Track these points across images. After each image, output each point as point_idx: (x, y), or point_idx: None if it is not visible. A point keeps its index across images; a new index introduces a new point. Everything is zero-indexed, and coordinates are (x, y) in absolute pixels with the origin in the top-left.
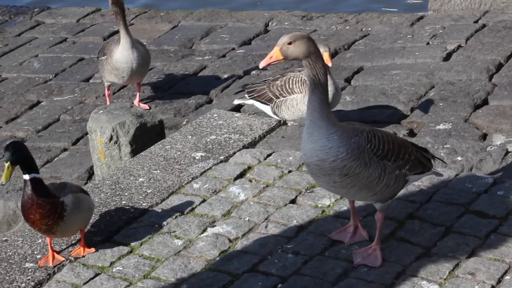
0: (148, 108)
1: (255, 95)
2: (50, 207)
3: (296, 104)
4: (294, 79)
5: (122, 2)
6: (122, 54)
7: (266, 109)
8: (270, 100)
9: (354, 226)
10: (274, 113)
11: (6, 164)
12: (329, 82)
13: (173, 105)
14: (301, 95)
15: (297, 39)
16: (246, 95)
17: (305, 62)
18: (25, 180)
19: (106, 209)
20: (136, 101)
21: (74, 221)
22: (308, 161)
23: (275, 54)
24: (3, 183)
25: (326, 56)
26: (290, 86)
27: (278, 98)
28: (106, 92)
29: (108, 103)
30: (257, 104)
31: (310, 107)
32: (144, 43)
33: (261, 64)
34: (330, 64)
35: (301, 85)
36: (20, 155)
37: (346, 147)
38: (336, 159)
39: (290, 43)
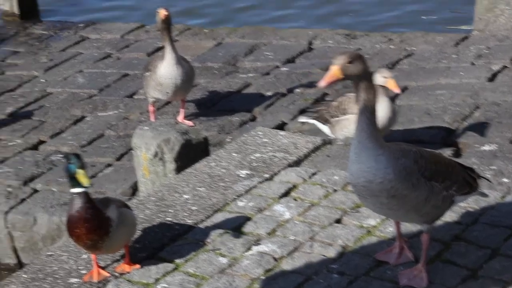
0: (192, 124)
1: (315, 115)
2: (97, 222)
3: (349, 124)
4: (349, 100)
5: (170, 18)
6: (166, 70)
7: (324, 129)
8: (327, 120)
9: (399, 247)
10: (331, 132)
11: (81, 171)
12: (387, 104)
13: (217, 122)
14: (354, 116)
15: (356, 57)
16: (309, 115)
17: (360, 82)
18: (73, 194)
19: (151, 226)
20: (180, 118)
21: (119, 236)
22: (354, 181)
23: (334, 73)
24: (89, 185)
25: (392, 82)
26: (344, 107)
27: (333, 118)
28: (150, 108)
29: (152, 119)
30: (317, 124)
31: (359, 127)
32: (188, 60)
33: (321, 83)
34: (398, 91)
35: (354, 105)
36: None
37: (393, 168)
38: (384, 180)
39: (350, 62)
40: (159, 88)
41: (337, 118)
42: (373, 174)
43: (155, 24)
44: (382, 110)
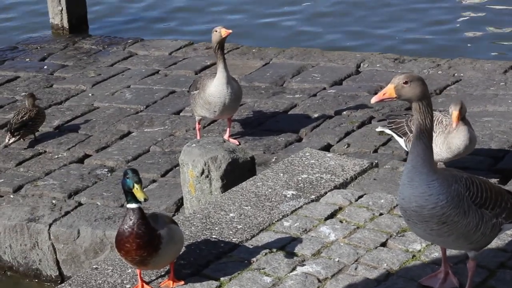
0: (238, 143)
1: (394, 127)
2: (148, 238)
3: None
4: None
5: (224, 40)
6: (216, 89)
7: (401, 141)
8: (405, 134)
9: (445, 272)
10: (406, 146)
11: (137, 186)
12: (465, 132)
13: (263, 142)
14: (434, 135)
15: (413, 80)
16: (387, 124)
17: (416, 105)
18: (128, 209)
19: (196, 243)
20: (226, 136)
21: (167, 253)
22: (405, 206)
23: (388, 91)
24: (145, 199)
25: (454, 115)
26: None
27: (411, 133)
28: (197, 126)
29: (198, 137)
30: (394, 135)
31: (414, 152)
32: (236, 79)
33: (373, 100)
34: (454, 125)
35: (435, 124)
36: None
37: (446, 195)
38: (436, 206)
39: (406, 83)
40: (207, 107)
41: None
42: (426, 200)
43: (204, 42)
44: (460, 137)
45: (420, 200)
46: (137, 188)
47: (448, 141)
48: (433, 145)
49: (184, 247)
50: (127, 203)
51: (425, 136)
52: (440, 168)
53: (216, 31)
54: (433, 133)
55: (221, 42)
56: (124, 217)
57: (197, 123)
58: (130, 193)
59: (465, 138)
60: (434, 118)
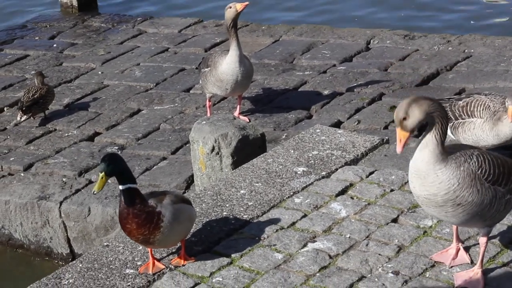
0: (248, 120)
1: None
2: (145, 216)
3: (473, 128)
4: (477, 102)
5: (238, 16)
6: (229, 66)
7: None
8: (449, 120)
9: (456, 248)
10: (452, 133)
11: (100, 175)
12: None
13: (273, 119)
14: (480, 120)
15: (409, 108)
16: None
17: (429, 121)
18: (120, 190)
19: (207, 220)
20: (236, 113)
21: (172, 232)
22: (417, 193)
23: (401, 135)
24: (94, 192)
25: (510, 109)
26: (471, 109)
27: (457, 119)
28: (207, 103)
29: (208, 114)
30: None
31: (424, 142)
32: (247, 56)
33: (398, 150)
34: (509, 120)
35: (482, 109)
36: (115, 168)
37: (457, 177)
38: (448, 192)
39: (404, 118)
40: (218, 84)
41: (461, 120)
42: (437, 188)
43: (214, 20)
44: (511, 126)
45: (431, 189)
46: (101, 177)
47: (497, 129)
48: (480, 131)
49: (195, 224)
50: (119, 185)
51: (440, 138)
52: (449, 145)
53: (230, 8)
54: (479, 119)
55: (235, 19)
56: (119, 198)
57: (207, 100)
58: (119, 176)
59: None
60: (479, 103)
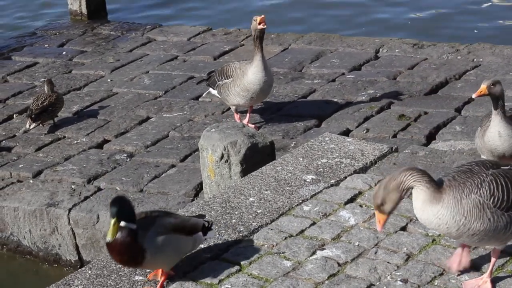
0: (256, 129)
1: None
2: (129, 255)
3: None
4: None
5: (261, 28)
6: (256, 76)
7: None
8: None
9: (459, 254)
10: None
11: (112, 221)
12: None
13: (282, 127)
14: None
15: (384, 194)
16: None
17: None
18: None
19: (216, 227)
20: (245, 121)
21: (155, 263)
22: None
23: (379, 217)
24: (109, 240)
25: (482, 87)
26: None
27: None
28: (236, 116)
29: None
30: None
31: (415, 198)
32: None
33: (378, 229)
34: (474, 95)
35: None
36: (126, 211)
37: (461, 212)
38: (459, 228)
39: (382, 204)
40: (244, 94)
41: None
42: (447, 228)
43: (223, 28)
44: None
45: (442, 229)
46: (113, 223)
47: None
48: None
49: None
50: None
51: (425, 188)
52: (461, 169)
53: (254, 20)
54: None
55: (261, 32)
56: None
57: (234, 114)
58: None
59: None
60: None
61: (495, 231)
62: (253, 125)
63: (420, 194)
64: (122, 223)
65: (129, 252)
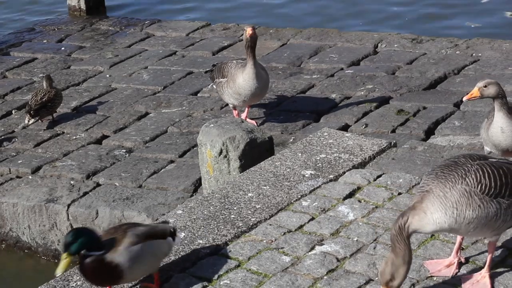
0: (255, 124)
1: None
2: (104, 278)
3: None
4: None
5: (257, 36)
6: (247, 83)
7: None
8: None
9: (451, 262)
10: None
11: (63, 255)
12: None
13: (280, 122)
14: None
15: (392, 270)
16: None
17: None
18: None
19: (215, 222)
20: (243, 116)
21: (136, 274)
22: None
23: None
24: (57, 274)
25: (474, 90)
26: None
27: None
28: (234, 113)
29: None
30: None
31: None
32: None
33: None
34: (465, 98)
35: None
36: (80, 246)
37: (450, 206)
38: (456, 219)
39: (391, 280)
40: (236, 97)
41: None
42: (448, 225)
43: (221, 23)
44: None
45: (445, 229)
46: (63, 258)
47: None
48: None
49: (203, 227)
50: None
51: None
52: (447, 163)
53: (244, 30)
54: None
55: (252, 41)
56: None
57: (233, 110)
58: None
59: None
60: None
61: (487, 218)
62: (252, 120)
63: (415, 225)
64: (84, 252)
65: (102, 275)
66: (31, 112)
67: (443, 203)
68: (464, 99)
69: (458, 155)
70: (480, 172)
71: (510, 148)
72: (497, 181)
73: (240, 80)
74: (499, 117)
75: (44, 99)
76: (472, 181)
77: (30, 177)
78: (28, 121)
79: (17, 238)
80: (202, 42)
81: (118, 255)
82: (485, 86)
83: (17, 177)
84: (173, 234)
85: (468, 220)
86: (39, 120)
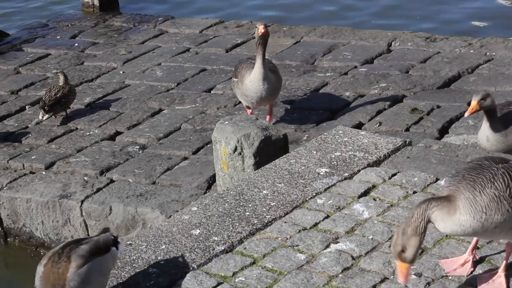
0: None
1: None
2: None
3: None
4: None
5: (269, 34)
6: (252, 84)
7: None
8: None
9: (465, 260)
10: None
11: None
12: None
13: (294, 120)
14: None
15: (404, 240)
16: None
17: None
18: None
19: (230, 220)
20: (267, 118)
21: None
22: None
23: (402, 267)
24: None
25: (472, 104)
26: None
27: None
28: (248, 112)
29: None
30: None
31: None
32: (275, 67)
33: (401, 282)
34: (467, 114)
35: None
36: None
37: (479, 210)
38: (483, 226)
39: (402, 251)
40: (244, 98)
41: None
42: (473, 229)
43: (235, 20)
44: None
45: (468, 232)
46: None
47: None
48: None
49: (218, 223)
50: None
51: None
52: (472, 165)
53: (257, 27)
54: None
55: (264, 39)
56: None
57: (246, 109)
58: None
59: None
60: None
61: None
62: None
63: (437, 216)
64: None
65: None
66: (45, 107)
67: (473, 206)
68: (466, 115)
69: (479, 157)
70: (508, 176)
71: (498, 151)
72: None
73: (247, 81)
74: (486, 127)
75: (58, 95)
76: (501, 185)
77: (43, 172)
78: (42, 116)
79: (31, 233)
80: (215, 39)
81: (68, 282)
82: (483, 99)
83: (31, 172)
84: (115, 242)
85: (495, 224)
86: (53, 116)
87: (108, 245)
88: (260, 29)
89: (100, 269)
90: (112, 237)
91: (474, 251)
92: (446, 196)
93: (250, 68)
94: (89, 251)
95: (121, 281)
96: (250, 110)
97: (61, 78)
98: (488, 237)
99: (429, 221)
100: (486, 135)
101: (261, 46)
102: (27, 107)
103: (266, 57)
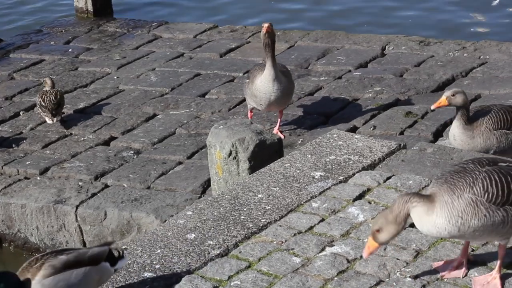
0: (283, 137)
1: None
2: None
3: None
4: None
5: (275, 34)
6: (262, 85)
7: None
8: None
9: (459, 261)
10: None
11: None
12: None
13: (288, 124)
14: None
15: (384, 223)
16: None
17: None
18: None
19: (225, 224)
20: (275, 129)
21: None
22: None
23: (370, 245)
24: None
25: (442, 98)
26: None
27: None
28: (249, 114)
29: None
30: None
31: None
32: (288, 71)
33: (364, 256)
34: (433, 107)
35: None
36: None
37: (455, 215)
38: (459, 229)
39: (378, 231)
40: (254, 99)
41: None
42: (448, 232)
43: (229, 25)
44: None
45: (444, 234)
46: None
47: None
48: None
49: (213, 228)
50: None
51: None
52: (455, 169)
53: (262, 26)
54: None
55: (270, 38)
56: None
57: (249, 111)
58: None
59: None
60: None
61: (493, 226)
62: (282, 135)
63: (416, 211)
64: None
65: None
66: (53, 112)
67: (450, 210)
68: (432, 107)
69: (467, 160)
70: (488, 180)
71: (468, 150)
72: (504, 189)
73: (258, 81)
74: (455, 125)
75: (58, 97)
76: (479, 190)
77: (38, 178)
78: (52, 121)
79: (26, 239)
80: (209, 44)
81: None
82: (453, 95)
83: (26, 178)
84: (115, 257)
85: (473, 228)
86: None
87: (97, 259)
88: (265, 27)
89: (70, 281)
90: (118, 252)
91: (468, 253)
92: (429, 195)
93: (262, 69)
94: (64, 262)
95: (116, 286)
96: (251, 114)
97: (49, 82)
98: (471, 240)
99: (408, 214)
100: (453, 134)
101: (268, 48)
102: (21, 112)
103: (278, 62)
